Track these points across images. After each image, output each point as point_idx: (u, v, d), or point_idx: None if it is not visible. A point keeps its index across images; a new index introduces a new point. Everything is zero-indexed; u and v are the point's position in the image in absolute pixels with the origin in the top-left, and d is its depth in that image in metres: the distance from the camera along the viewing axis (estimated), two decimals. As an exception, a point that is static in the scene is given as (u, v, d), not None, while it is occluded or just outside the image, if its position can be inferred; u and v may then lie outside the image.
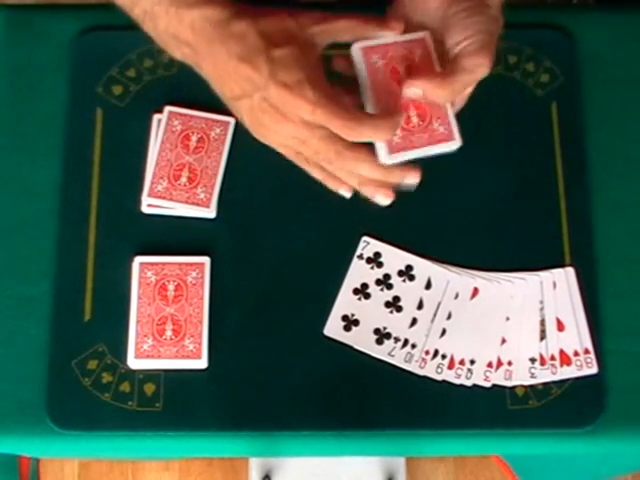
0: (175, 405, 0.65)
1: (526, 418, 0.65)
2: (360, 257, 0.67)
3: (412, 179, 0.56)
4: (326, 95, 0.51)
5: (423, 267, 0.67)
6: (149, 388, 0.66)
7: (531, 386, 0.66)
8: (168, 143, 0.70)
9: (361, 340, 0.65)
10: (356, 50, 0.57)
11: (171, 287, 0.67)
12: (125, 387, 0.66)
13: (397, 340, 0.65)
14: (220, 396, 0.66)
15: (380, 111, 0.54)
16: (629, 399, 0.66)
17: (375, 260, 0.67)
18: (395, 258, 0.67)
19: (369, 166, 0.55)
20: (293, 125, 0.52)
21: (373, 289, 0.67)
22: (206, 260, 0.67)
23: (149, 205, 0.69)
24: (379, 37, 0.56)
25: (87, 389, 0.66)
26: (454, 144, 0.59)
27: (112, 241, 0.69)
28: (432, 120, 0.59)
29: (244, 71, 0.51)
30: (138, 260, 0.67)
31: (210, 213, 0.69)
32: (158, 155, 0.70)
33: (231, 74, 0.52)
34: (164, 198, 0.69)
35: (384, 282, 0.67)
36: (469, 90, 0.58)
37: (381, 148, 0.56)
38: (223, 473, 1.33)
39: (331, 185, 0.58)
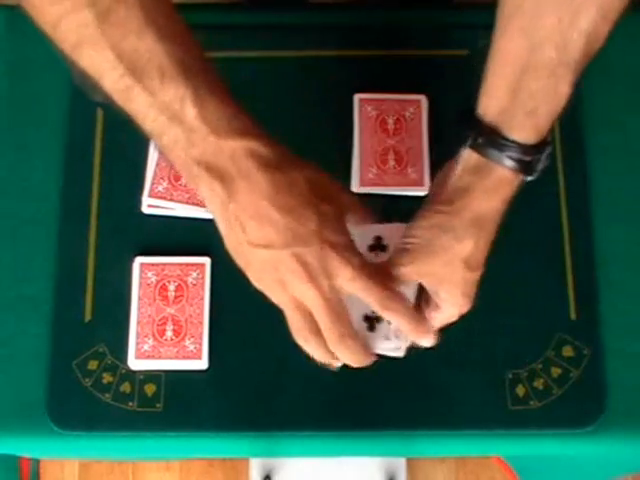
0: (175, 405, 0.65)
1: (527, 418, 0.65)
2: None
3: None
4: (367, 265, 0.48)
5: (391, 232, 0.60)
6: (149, 388, 0.66)
7: (532, 386, 0.66)
8: (168, 143, 0.70)
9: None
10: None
11: (171, 287, 0.67)
12: (125, 387, 0.66)
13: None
14: (220, 396, 0.66)
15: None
16: (629, 399, 0.66)
17: None
18: (361, 236, 0.61)
19: (356, 360, 0.51)
20: (314, 290, 0.48)
21: None
22: (207, 260, 0.67)
23: (149, 205, 0.69)
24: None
25: (87, 389, 0.66)
26: (423, 190, 0.67)
27: (112, 241, 0.69)
28: (407, 166, 0.69)
29: (282, 220, 0.46)
30: (138, 261, 0.67)
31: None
32: (158, 155, 0.70)
33: (262, 218, 0.46)
34: (164, 198, 0.69)
35: None
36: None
37: (355, 178, 0.64)
38: (224, 473, 1.33)
39: (320, 356, 0.52)
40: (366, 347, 0.52)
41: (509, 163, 0.50)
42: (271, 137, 0.47)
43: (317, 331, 0.50)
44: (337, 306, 0.48)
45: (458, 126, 0.52)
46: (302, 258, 0.47)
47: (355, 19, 0.76)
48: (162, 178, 0.69)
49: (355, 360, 0.51)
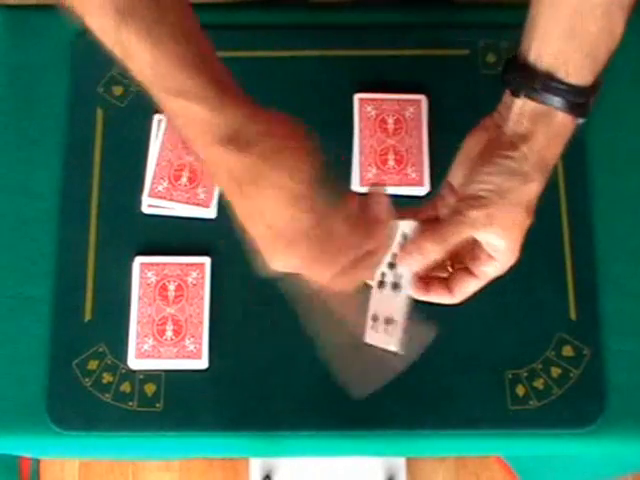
0: (175, 405, 0.65)
1: (527, 418, 0.65)
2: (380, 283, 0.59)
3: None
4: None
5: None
6: (149, 388, 0.66)
7: (532, 386, 0.66)
8: (168, 143, 0.70)
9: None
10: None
11: (171, 287, 0.67)
12: (126, 387, 0.66)
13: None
14: (220, 396, 0.66)
15: None
16: (629, 399, 0.66)
17: None
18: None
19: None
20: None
21: None
22: (206, 260, 0.67)
23: (149, 205, 0.69)
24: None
25: (87, 389, 0.66)
26: (422, 190, 0.68)
27: (112, 241, 0.69)
28: (407, 166, 0.69)
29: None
30: (138, 260, 0.67)
31: (210, 213, 0.69)
32: (158, 155, 0.70)
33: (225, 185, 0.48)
34: (164, 198, 0.69)
35: None
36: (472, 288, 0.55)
37: (355, 178, 0.63)
38: (223, 473, 1.33)
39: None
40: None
41: (566, 106, 0.50)
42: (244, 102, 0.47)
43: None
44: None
45: (507, 75, 0.52)
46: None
47: (355, 19, 0.76)
48: (162, 178, 0.69)
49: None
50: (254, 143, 0.46)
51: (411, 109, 0.71)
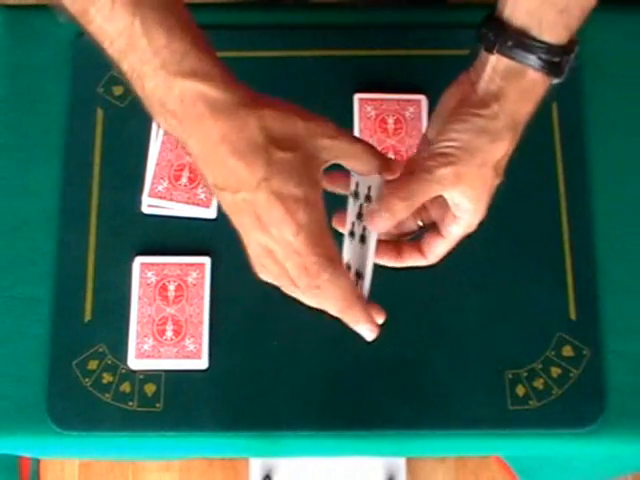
0: (175, 405, 0.65)
1: (526, 418, 0.65)
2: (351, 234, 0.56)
3: (380, 318, 0.52)
4: (317, 222, 0.46)
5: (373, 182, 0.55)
6: (149, 388, 0.66)
7: (532, 386, 0.66)
8: (168, 143, 0.70)
9: None
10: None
11: (171, 287, 0.67)
12: (125, 387, 0.66)
13: None
14: (220, 396, 0.66)
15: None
16: (629, 399, 0.66)
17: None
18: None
19: (336, 307, 0.50)
20: (269, 237, 0.46)
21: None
22: (206, 260, 0.67)
23: (149, 205, 0.69)
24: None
25: (87, 389, 0.66)
26: None
27: (112, 241, 0.69)
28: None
29: (234, 165, 0.44)
30: (138, 260, 0.67)
31: (211, 213, 0.69)
32: (158, 155, 0.70)
33: (217, 161, 0.45)
34: (164, 198, 0.69)
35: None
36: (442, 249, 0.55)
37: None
38: (223, 473, 1.33)
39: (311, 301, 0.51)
40: (349, 288, 0.49)
41: (540, 65, 0.50)
42: (230, 78, 0.45)
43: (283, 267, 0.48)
44: (293, 256, 0.47)
45: (482, 32, 0.52)
46: (252, 205, 0.45)
47: (355, 19, 0.76)
48: (162, 178, 0.69)
49: (335, 301, 0.49)
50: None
51: (411, 109, 0.71)
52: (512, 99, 0.51)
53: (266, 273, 0.50)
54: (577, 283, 0.69)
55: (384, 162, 0.50)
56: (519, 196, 0.70)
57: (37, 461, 1.19)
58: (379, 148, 0.69)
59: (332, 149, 0.47)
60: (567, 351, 0.67)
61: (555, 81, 0.51)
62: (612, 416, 0.66)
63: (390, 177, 0.51)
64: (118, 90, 0.73)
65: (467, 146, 0.50)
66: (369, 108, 0.71)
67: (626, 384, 0.67)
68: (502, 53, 0.51)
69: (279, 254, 0.47)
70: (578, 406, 0.66)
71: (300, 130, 0.46)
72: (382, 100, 0.71)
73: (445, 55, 0.74)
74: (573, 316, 0.68)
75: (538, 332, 0.68)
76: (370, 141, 0.70)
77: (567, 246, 0.69)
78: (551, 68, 0.50)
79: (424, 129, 0.70)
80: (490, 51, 0.51)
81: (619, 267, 0.70)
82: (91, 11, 0.45)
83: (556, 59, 0.50)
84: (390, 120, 0.71)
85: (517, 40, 0.50)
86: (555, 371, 0.67)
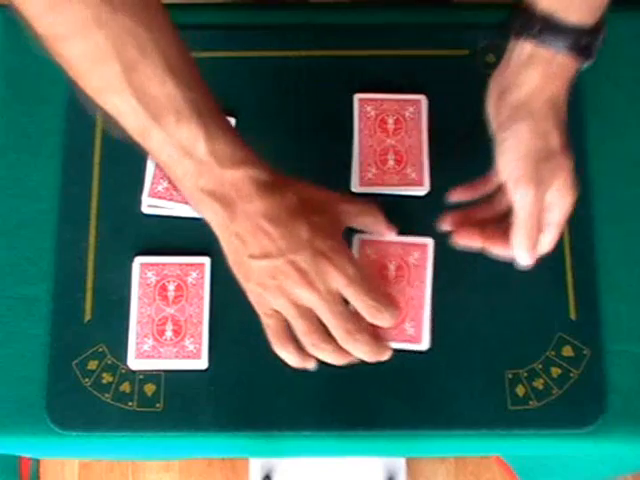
0: (175, 405, 0.65)
1: (526, 418, 0.65)
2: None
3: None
4: (361, 271, 0.52)
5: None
6: (149, 388, 0.66)
7: (532, 386, 0.66)
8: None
9: None
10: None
11: (171, 287, 0.67)
12: (125, 387, 0.66)
13: None
14: (220, 396, 0.66)
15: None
16: (630, 400, 0.66)
17: None
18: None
19: (369, 353, 0.54)
20: (313, 293, 0.51)
21: None
22: (206, 260, 0.67)
23: (149, 205, 0.69)
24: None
25: (87, 389, 0.66)
26: (422, 190, 0.68)
27: (112, 241, 0.69)
28: (406, 166, 0.69)
29: (280, 231, 0.50)
30: (138, 260, 0.67)
31: (210, 213, 0.69)
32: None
33: (257, 233, 0.51)
34: (164, 198, 0.69)
35: None
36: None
37: (354, 178, 0.65)
38: (223, 473, 1.33)
39: (294, 361, 0.56)
40: (378, 340, 0.54)
41: (568, 48, 0.50)
42: (268, 164, 0.51)
43: (293, 337, 0.54)
44: (338, 305, 0.52)
45: (511, 21, 0.53)
46: (297, 264, 0.50)
47: (355, 19, 0.76)
48: (162, 178, 0.69)
49: (368, 353, 0.54)
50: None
51: (411, 109, 0.71)
52: (540, 84, 0.52)
53: (276, 330, 0.55)
54: (577, 283, 0.69)
55: (383, 223, 0.58)
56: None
57: (37, 461, 1.19)
58: (379, 148, 0.70)
59: (346, 212, 0.55)
60: (567, 351, 0.67)
61: (586, 64, 0.52)
62: (612, 416, 0.66)
63: (389, 235, 0.59)
64: (118, 90, 0.73)
65: (533, 149, 0.54)
66: (369, 108, 0.71)
67: (626, 384, 0.67)
68: (529, 39, 0.51)
69: (321, 309, 0.52)
70: (578, 406, 0.66)
71: (324, 198, 0.54)
72: (382, 100, 0.71)
73: (445, 55, 0.74)
74: (573, 316, 0.68)
75: (538, 332, 0.68)
76: (370, 141, 0.70)
77: (567, 246, 0.69)
78: (577, 51, 0.51)
79: (424, 129, 0.70)
80: (518, 38, 0.52)
81: (619, 267, 0.70)
82: (153, 130, 0.48)
83: (583, 42, 0.50)
84: (390, 120, 0.71)
85: (544, 25, 0.50)
86: (555, 371, 0.67)
